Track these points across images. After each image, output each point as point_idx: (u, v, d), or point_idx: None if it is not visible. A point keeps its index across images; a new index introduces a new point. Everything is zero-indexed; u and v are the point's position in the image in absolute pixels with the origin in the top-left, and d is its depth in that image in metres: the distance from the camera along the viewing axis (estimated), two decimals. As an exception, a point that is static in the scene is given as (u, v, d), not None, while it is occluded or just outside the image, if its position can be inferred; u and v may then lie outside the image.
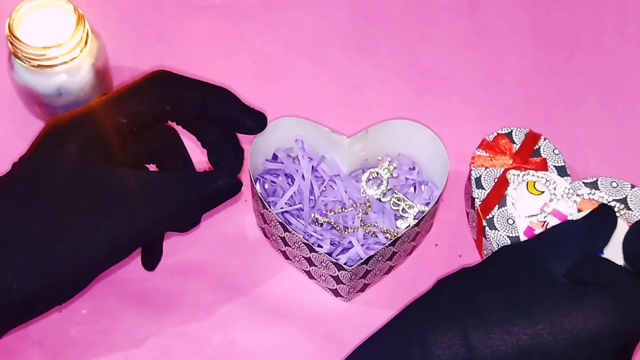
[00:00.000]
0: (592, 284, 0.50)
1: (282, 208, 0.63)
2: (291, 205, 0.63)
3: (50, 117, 0.65)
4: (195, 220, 0.57)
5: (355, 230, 0.63)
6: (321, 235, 0.63)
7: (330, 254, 0.60)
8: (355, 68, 0.73)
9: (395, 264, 0.63)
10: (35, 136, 0.52)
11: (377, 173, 0.64)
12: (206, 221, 0.65)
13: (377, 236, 0.63)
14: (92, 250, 0.50)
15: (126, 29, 0.73)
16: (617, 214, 0.62)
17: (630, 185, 0.63)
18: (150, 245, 0.59)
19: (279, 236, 0.61)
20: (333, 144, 0.64)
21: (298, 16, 0.74)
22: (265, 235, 0.64)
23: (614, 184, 0.63)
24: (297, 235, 0.59)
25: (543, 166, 0.64)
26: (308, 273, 0.62)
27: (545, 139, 0.65)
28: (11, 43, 0.61)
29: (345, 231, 0.63)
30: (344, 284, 0.60)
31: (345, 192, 0.65)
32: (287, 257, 0.63)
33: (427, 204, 0.64)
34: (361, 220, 0.63)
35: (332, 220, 0.63)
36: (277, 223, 0.59)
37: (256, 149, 0.62)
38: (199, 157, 0.60)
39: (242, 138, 0.57)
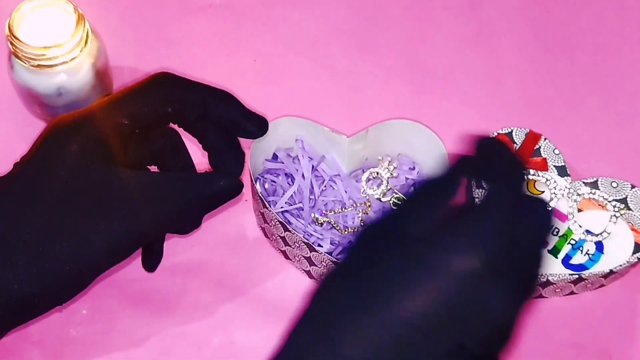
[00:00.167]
0: (454, 230, 0.43)
1: (282, 207, 0.63)
2: (291, 205, 0.63)
3: (51, 117, 0.65)
4: (196, 221, 0.57)
5: (355, 230, 0.63)
6: (321, 234, 0.63)
7: (330, 254, 0.60)
8: (355, 68, 0.73)
9: (395, 264, 0.63)
10: (35, 136, 0.52)
11: (377, 173, 0.64)
12: (206, 221, 0.65)
13: (377, 236, 0.63)
14: (92, 251, 0.50)
15: (126, 29, 0.73)
16: (617, 214, 0.62)
17: (630, 185, 0.63)
18: (151, 245, 0.59)
19: (279, 236, 0.61)
20: (333, 143, 0.64)
21: (298, 16, 0.74)
22: (266, 235, 0.64)
23: (614, 184, 0.63)
24: (297, 235, 0.59)
25: (543, 166, 0.64)
26: (308, 273, 0.62)
27: (545, 139, 0.65)
28: (11, 43, 0.61)
29: (345, 231, 0.63)
30: (344, 284, 0.60)
31: (345, 191, 0.65)
32: (287, 257, 0.63)
33: (427, 204, 0.64)
34: (361, 220, 0.63)
35: (332, 220, 0.63)
36: (277, 222, 0.59)
37: (256, 149, 0.62)
38: (199, 158, 0.60)
39: (243, 140, 0.57)
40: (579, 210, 0.63)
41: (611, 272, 0.61)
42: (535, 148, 0.65)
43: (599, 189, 0.63)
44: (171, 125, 0.56)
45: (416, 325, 0.41)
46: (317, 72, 0.72)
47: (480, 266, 0.42)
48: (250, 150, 0.60)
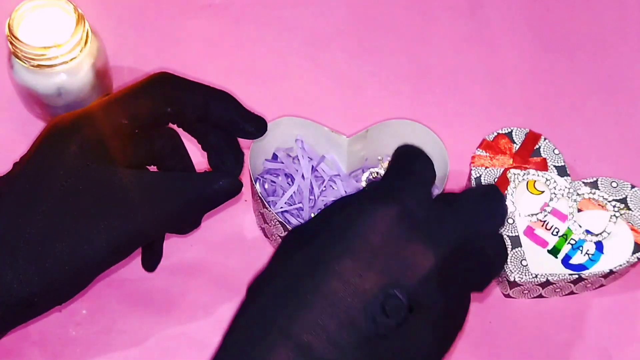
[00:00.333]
0: None
1: (282, 208, 0.63)
2: (291, 205, 0.63)
3: (50, 117, 0.65)
4: (196, 221, 0.57)
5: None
6: (321, 235, 0.63)
7: (330, 254, 0.60)
8: (355, 68, 0.73)
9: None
10: (35, 136, 0.52)
11: (377, 173, 0.64)
12: (206, 221, 0.65)
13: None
14: (92, 250, 0.50)
15: (126, 29, 0.73)
16: (617, 214, 0.62)
17: (630, 185, 0.63)
18: (151, 245, 0.59)
19: (279, 236, 0.61)
20: (333, 143, 0.64)
21: (298, 16, 0.74)
22: (265, 235, 0.64)
23: (614, 184, 0.63)
24: (297, 235, 0.59)
25: (543, 166, 0.64)
26: (308, 273, 0.62)
27: (545, 139, 0.65)
28: (11, 43, 0.61)
29: (345, 231, 0.63)
30: (344, 283, 0.60)
31: (345, 192, 0.65)
32: (287, 257, 0.63)
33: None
34: (361, 220, 0.63)
35: (332, 220, 0.63)
36: (277, 222, 0.59)
37: (256, 149, 0.62)
38: (199, 158, 0.60)
39: (243, 140, 0.57)
40: (579, 210, 0.63)
41: (611, 272, 0.61)
42: (535, 148, 0.65)
43: (598, 189, 0.63)
44: (171, 125, 0.56)
45: (344, 281, 0.41)
46: (317, 72, 0.72)
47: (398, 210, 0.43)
48: (250, 151, 0.60)
